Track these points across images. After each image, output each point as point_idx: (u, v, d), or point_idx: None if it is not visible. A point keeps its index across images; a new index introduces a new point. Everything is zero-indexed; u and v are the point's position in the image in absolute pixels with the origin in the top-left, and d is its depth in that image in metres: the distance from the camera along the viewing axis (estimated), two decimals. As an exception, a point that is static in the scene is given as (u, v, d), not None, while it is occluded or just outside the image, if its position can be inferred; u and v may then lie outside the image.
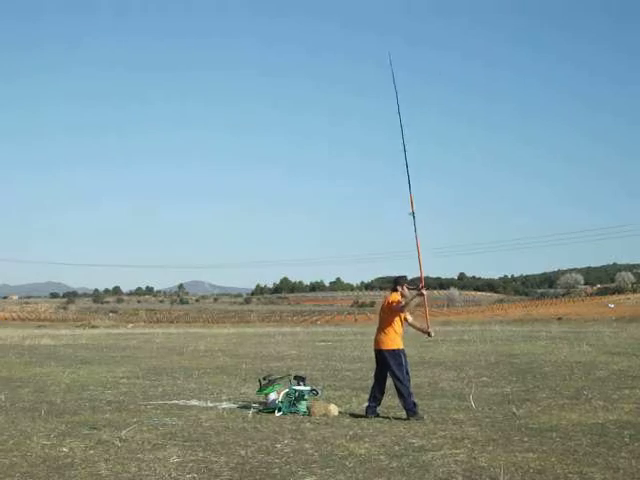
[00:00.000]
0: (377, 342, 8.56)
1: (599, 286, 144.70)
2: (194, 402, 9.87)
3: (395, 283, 8.81)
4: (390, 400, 9.64)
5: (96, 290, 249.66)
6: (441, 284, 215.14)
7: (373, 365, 8.82)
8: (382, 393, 8.59)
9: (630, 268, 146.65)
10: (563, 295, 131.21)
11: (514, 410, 8.62)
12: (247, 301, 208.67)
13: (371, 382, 8.82)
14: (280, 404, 8.78)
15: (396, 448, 6.56)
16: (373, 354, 8.71)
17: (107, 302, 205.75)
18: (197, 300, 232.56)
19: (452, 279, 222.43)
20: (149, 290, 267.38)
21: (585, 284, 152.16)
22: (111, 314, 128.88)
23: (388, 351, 8.41)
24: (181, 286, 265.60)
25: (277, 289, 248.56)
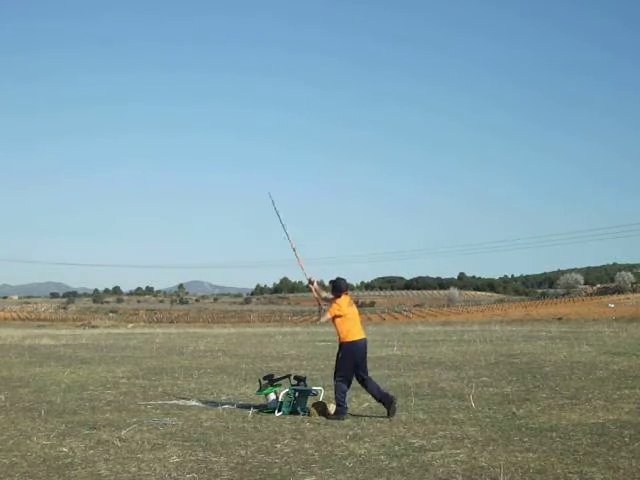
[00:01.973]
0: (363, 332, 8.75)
1: (599, 286, 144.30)
2: (194, 402, 9.87)
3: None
4: (390, 400, 9.64)
5: (96, 290, 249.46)
6: (441, 284, 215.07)
7: (373, 365, 8.82)
8: None
9: (630, 268, 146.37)
10: (563, 295, 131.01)
11: (514, 410, 8.62)
12: (247, 301, 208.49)
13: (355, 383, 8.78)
14: (280, 404, 8.77)
15: (396, 448, 6.56)
16: (365, 351, 8.72)
17: (107, 302, 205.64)
18: (197, 300, 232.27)
19: (452, 279, 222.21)
20: (149, 290, 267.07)
21: (585, 284, 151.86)
22: (111, 314, 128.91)
23: None
24: (181, 286, 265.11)
25: (277, 289, 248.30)
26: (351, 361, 8.51)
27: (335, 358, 8.75)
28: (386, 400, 8.39)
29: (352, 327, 8.56)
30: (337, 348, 8.72)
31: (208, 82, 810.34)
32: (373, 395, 8.55)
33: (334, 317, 8.58)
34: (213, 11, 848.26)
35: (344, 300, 8.63)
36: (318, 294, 9.01)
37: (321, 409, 8.57)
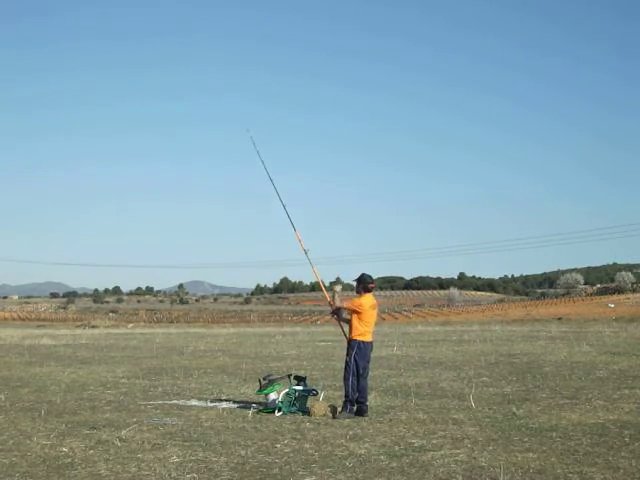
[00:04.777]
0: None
1: (599, 286, 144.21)
2: (194, 402, 9.87)
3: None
4: (390, 400, 9.65)
5: (96, 290, 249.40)
6: (441, 284, 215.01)
7: (373, 365, 8.80)
8: None
9: (630, 268, 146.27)
10: (563, 295, 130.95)
11: (514, 410, 8.62)
12: (247, 301, 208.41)
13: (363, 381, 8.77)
14: (280, 404, 8.77)
15: (396, 448, 6.57)
16: (370, 350, 8.73)
17: (107, 302, 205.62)
18: (197, 300, 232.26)
19: (452, 279, 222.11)
20: (149, 290, 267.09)
21: (585, 284, 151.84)
22: (111, 314, 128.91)
23: None
24: (181, 286, 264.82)
25: (277, 289, 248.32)
26: (362, 360, 8.56)
27: (347, 354, 8.64)
28: (362, 406, 8.48)
29: (368, 329, 8.62)
30: (338, 349, 8.70)
31: (208, 77, 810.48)
32: (359, 392, 8.52)
33: (352, 311, 8.63)
34: (211, 5, 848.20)
35: (368, 300, 8.66)
36: (341, 324, 9.06)
37: (321, 409, 8.56)
